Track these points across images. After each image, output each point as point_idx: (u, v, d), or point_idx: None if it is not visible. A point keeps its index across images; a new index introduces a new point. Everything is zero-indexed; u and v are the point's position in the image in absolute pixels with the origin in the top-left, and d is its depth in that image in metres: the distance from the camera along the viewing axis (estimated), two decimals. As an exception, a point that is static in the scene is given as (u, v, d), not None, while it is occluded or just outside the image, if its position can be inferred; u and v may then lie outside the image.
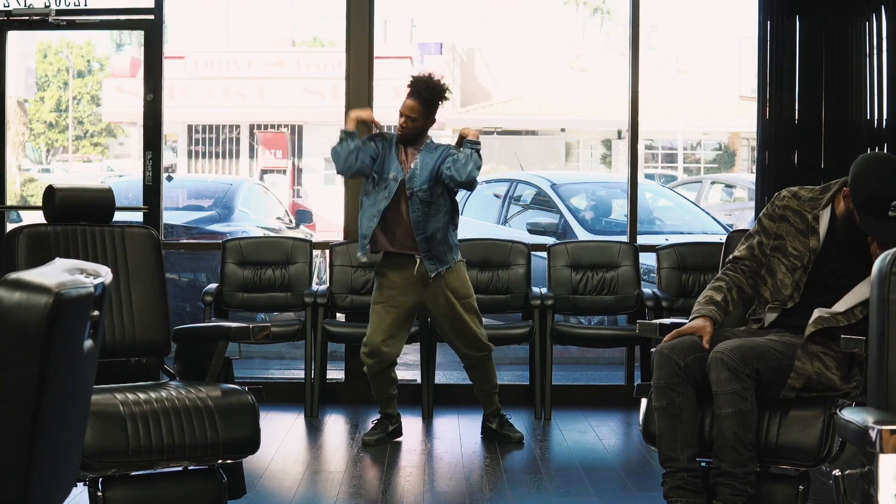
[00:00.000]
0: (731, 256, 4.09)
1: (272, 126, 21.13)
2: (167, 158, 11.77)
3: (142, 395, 3.61)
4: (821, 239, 3.92)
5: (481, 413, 5.93)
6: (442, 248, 5.50)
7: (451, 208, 5.55)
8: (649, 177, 20.33)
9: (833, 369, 3.71)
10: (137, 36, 14.62)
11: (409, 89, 5.50)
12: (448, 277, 5.54)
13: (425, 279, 5.51)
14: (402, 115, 5.54)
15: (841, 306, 3.79)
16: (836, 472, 2.97)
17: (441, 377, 7.28)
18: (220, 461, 3.71)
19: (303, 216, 13.10)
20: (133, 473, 3.62)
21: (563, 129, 24.18)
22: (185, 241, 9.53)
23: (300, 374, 6.66)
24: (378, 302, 5.58)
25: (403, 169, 5.50)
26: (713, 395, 3.66)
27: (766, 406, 3.69)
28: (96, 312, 2.24)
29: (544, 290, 6.54)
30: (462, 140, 5.52)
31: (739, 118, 19.90)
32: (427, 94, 5.46)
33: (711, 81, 25.35)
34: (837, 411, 3.28)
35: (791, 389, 3.68)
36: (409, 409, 6.32)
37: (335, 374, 6.92)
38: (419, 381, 6.50)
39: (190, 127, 21.71)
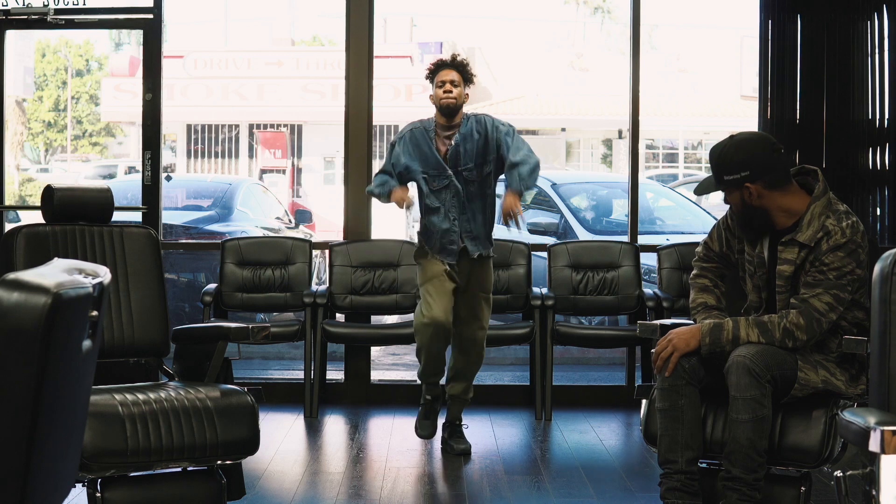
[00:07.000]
0: (702, 246, 4.04)
1: (271, 126, 21.13)
2: (166, 158, 11.75)
3: (141, 396, 3.60)
4: (765, 247, 3.82)
5: (483, 414, 5.92)
6: (484, 230, 5.37)
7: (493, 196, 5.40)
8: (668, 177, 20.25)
9: (838, 374, 3.67)
10: (136, 35, 14.63)
11: (434, 68, 5.31)
12: (483, 266, 5.40)
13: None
14: (441, 84, 5.27)
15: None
16: (838, 474, 2.96)
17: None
18: (219, 462, 3.70)
19: (302, 216, 13.09)
20: (132, 474, 3.61)
21: (563, 129, 24.18)
22: (184, 241, 9.52)
23: (300, 374, 6.65)
24: (429, 280, 5.35)
25: (443, 158, 5.30)
26: (731, 399, 3.58)
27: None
28: (95, 313, 2.23)
29: (545, 291, 6.53)
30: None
31: (741, 117, 19.87)
32: (461, 63, 5.29)
33: (712, 81, 25.34)
34: (839, 412, 3.27)
35: (793, 397, 3.65)
36: (409, 410, 6.31)
37: (335, 374, 6.91)
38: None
39: (189, 126, 21.72)
